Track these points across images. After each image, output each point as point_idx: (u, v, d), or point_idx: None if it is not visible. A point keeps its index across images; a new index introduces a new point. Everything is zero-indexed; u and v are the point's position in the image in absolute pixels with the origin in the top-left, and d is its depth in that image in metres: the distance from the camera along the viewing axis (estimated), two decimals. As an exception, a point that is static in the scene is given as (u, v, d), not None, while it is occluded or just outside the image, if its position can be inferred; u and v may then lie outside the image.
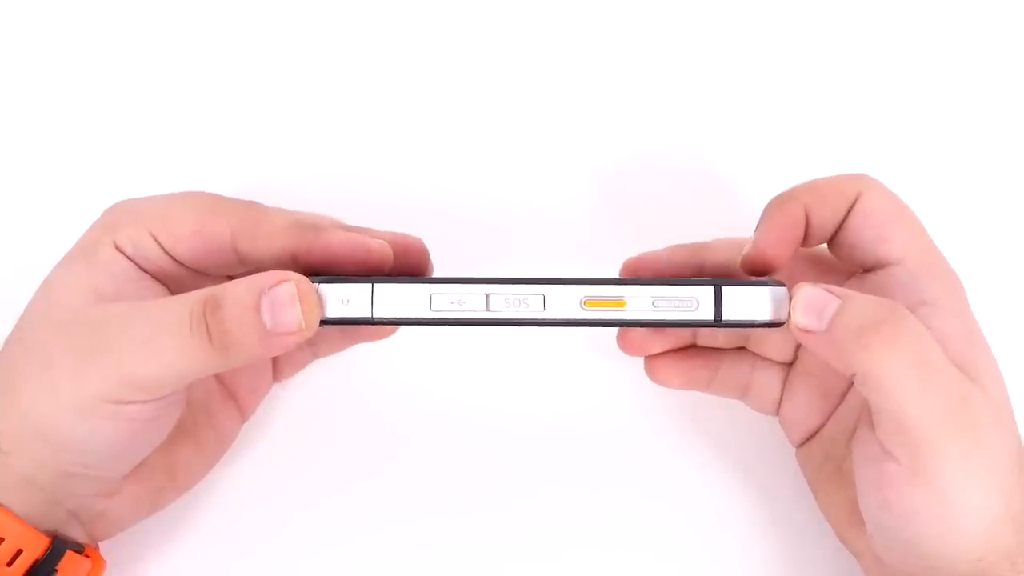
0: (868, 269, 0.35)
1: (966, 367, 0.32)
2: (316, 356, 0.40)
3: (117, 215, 0.35)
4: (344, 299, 0.32)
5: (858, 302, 0.32)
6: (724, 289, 0.33)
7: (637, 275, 0.38)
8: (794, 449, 0.39)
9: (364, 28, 0.47)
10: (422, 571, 0.41)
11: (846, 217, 0.35)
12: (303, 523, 0.41)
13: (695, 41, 0.47)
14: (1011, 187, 0.45)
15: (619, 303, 0.33)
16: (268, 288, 0.31)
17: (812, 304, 0.32)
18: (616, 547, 0.41)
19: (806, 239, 0.35)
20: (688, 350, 0.39)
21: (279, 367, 0.40)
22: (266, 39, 0.47)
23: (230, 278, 0.34)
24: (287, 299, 0.31)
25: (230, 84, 0.47)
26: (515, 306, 0.32)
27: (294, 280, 0.31)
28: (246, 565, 0.41)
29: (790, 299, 0.32)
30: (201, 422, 0.38)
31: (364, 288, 0.32)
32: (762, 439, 0.41)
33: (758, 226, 0.35)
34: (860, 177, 0.35)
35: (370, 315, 0.32)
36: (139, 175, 0.45)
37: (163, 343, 0.32)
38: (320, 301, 0.32)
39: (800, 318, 0.32)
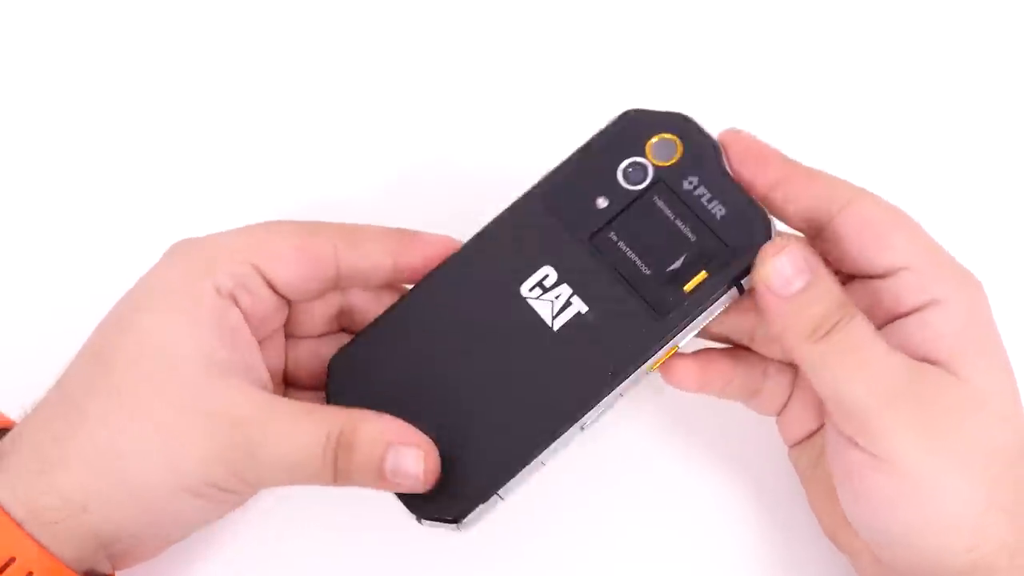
0: (876, 276, 0.35)
1: (951, 360, 0.32)
2: None
3: (210, 252, 0.35)
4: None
5: (824, 289, 0.32)
6: (743, 283, 0.34)
7: None
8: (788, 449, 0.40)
9: (350, 18, 0.47)
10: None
11: (828, 217, 0.34)
12: (313, 538, 0.42)
13: (697, 35, 0.47)
14: (1012, 191, 0.45)
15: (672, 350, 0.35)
16: (397, 443, 0.33)
17: (798, 265, 0.32)
18: (610, 545, 0.42)
19: (769, 202, 0.35)
20: (708, 353, 0.38)
21: None
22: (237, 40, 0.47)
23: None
24: (412, 461, 0.33)
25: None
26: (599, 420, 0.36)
27: (424, 449, 0.34)
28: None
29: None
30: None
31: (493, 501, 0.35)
32: (758, 438, 0.42)
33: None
34: (853, 186, 0.35)
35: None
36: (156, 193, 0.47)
37: (297, 471, 0.33)
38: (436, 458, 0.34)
39: (785, 271, 0.32)
